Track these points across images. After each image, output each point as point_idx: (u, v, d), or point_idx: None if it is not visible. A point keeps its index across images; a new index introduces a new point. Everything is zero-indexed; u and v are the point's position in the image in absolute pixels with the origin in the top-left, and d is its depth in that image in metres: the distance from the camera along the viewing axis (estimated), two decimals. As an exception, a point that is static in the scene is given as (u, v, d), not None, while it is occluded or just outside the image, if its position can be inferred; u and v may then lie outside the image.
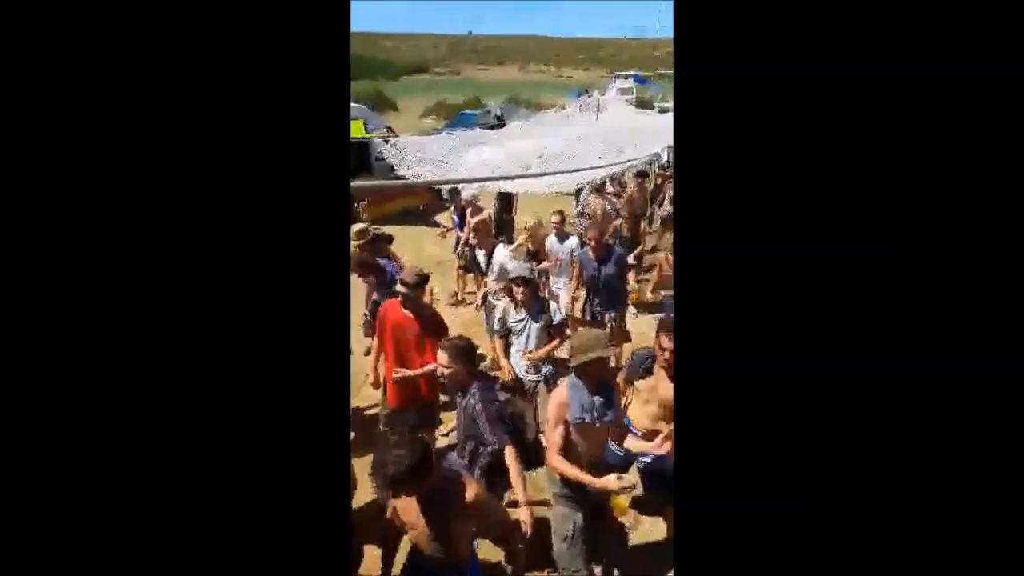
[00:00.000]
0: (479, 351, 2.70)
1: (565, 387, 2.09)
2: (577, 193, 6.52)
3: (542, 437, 2.35)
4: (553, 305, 3.13)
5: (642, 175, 6.64)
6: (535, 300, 3.01)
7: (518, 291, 2.92)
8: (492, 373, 3.39)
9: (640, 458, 2.44)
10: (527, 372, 3.07)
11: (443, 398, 3.14)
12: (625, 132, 6.21)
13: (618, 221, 5.51)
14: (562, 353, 3.08)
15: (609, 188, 6.07)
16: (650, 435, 2.40)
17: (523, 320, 3.00)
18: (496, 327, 3.15)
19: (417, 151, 5.04)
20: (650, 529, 2.64)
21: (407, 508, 1.78)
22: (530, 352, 3.00)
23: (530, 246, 4.37)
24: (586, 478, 1.97)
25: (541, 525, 2.15)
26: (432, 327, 2.73)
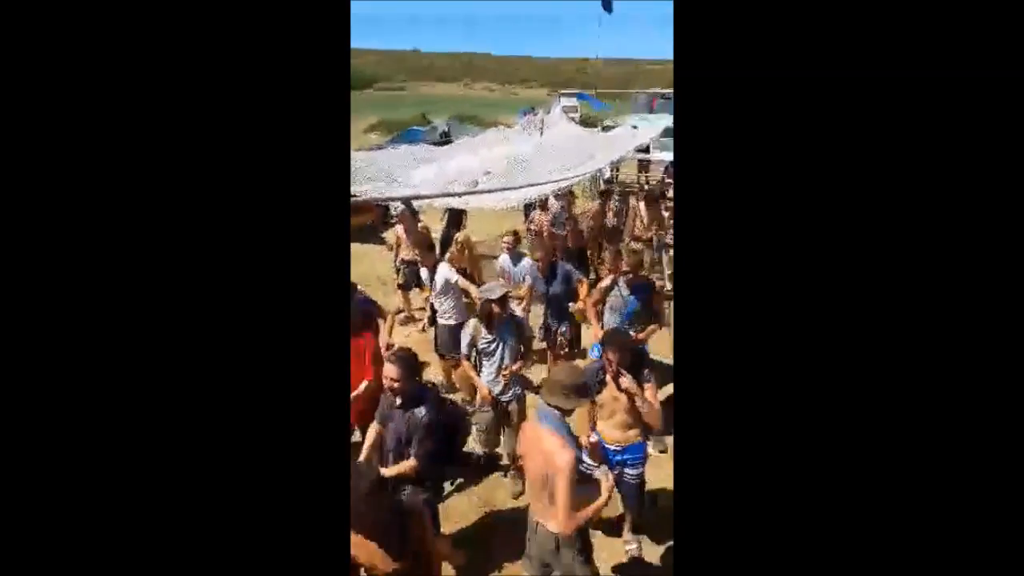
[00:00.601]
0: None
1: (563, 441, 1.88)
2: (526, 208, 6.56)
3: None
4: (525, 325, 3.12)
5: (605, 193, 6.74)
6: (506, 320, 2.97)
7: (495, 311, 2.87)
8: (445, 395, 3.31)
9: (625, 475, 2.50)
10: (502, 392, 3.03)
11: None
12: (571, 149, 6.32)
13: (564, 232, 5.57)
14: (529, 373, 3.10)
15: (555, 204, 6.14)
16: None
17: (494, 340, 2.94)
18: (464, 349, 3.09)
19: (364, 167, 4.92)
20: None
21: (360, 544, 1.65)
22: (505, 369, 2.97)
23: (458, 264, 4.31)
24: (594, 510, 1.90)
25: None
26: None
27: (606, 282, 3.59)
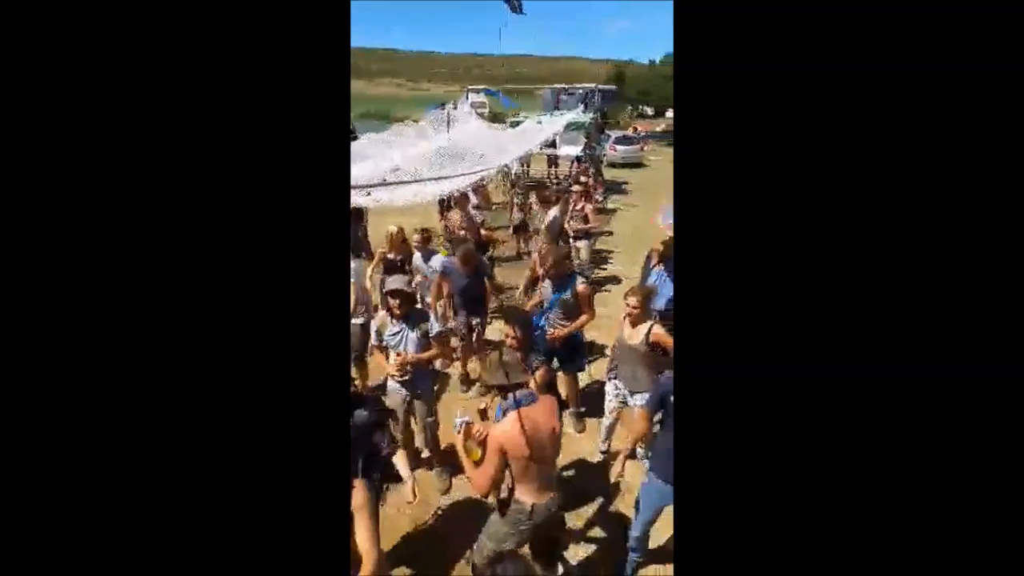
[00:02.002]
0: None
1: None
2: (441, 204, 6.56)
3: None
4: (432, 317, 3.14)
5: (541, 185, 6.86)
6: (412, 312, 2.99)
7: (393, 303, 2.88)
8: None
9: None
10: (407, 383, 3.03)
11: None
12: (481, 144, 6.40)
13: (481, 218, 5.67)
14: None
15: (473, 199, 6.22)
16: None
17: (399, 332, 2.95)
18: (373, 340, 3.08)
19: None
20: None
21: None
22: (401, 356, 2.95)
23: (390, 255, 4.30)
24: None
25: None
26: None
27: (524, 281, 3.72)
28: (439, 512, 3.09)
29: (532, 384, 2.30)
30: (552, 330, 3.49)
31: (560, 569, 2.31)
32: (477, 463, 2.01)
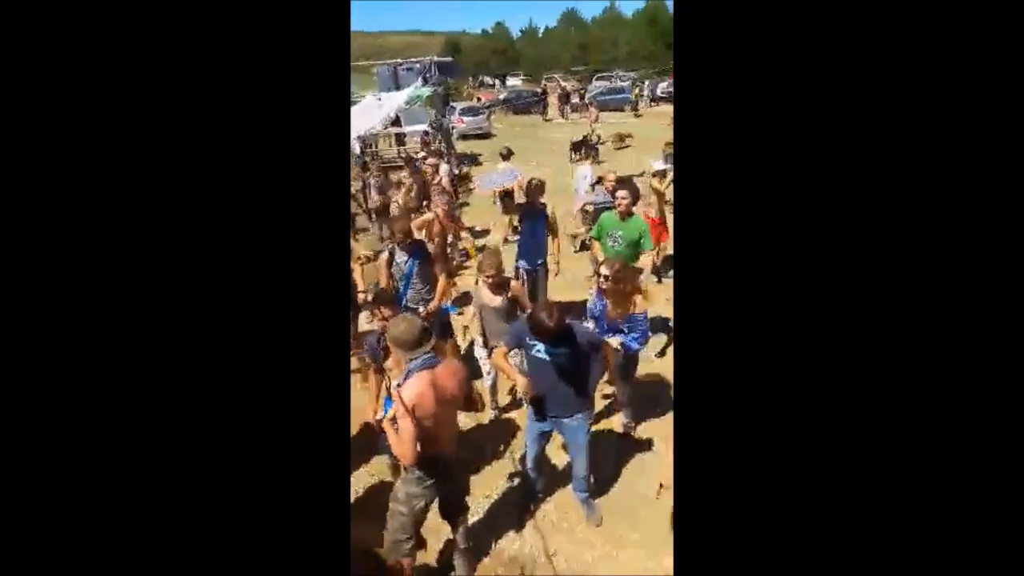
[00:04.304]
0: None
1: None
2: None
3: None
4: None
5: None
6: None
7: None
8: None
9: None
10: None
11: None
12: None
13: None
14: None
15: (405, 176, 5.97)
16: None
17: None
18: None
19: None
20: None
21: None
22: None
23: None
24: None
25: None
26: None
27: (384, 255, 3.65)
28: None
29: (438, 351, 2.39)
30: (421, 305, 3.57)
31: (461, 531, 2.40)
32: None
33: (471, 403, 2.33)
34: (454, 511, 2.33)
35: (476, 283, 3.31)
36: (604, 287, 3.01)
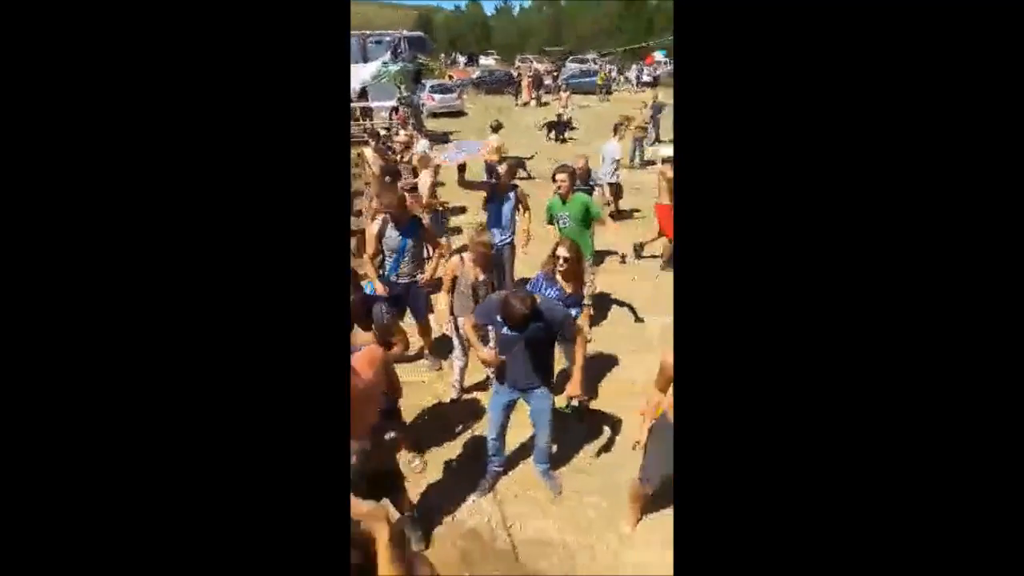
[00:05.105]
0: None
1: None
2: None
3: None
4: None
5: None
6: None
7: None
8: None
9: None
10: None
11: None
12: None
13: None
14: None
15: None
16: None
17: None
18: None
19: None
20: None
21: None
22: None
23: None
24: None
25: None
26: None
27: (374, 227, 3.58)
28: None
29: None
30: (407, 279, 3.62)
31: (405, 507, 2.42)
32: None
33: (394, 389, 2.27)
34: (380, 494, 2.31)
35: (460, 258, 3.32)
36: (562, 269, 3.04)
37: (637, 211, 7.48)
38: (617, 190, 7.23)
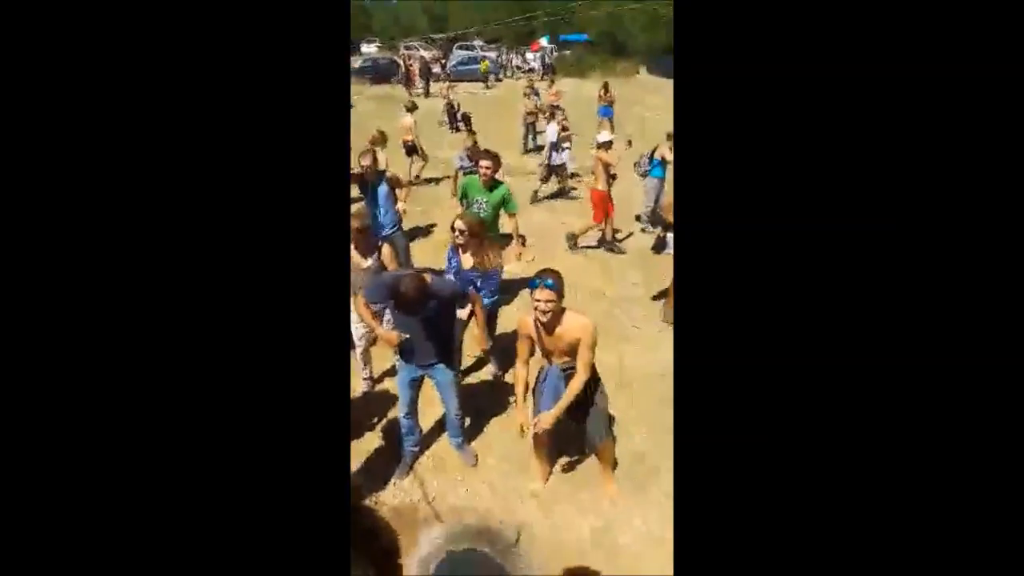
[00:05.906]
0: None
1: None
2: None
3: None
4: None
5: None
6: None
7: None
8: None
9: None
10: None
11: None
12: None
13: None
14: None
15: None
16: None
17: None
18: None
19: None
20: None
21: None
22: None
23: None
24: None
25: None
26: None
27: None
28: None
29: None
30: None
31: None
32: None
33: None
34: None
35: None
36: (460, 242, 3.20)
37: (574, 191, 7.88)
38: (558, 171, 7.65)
